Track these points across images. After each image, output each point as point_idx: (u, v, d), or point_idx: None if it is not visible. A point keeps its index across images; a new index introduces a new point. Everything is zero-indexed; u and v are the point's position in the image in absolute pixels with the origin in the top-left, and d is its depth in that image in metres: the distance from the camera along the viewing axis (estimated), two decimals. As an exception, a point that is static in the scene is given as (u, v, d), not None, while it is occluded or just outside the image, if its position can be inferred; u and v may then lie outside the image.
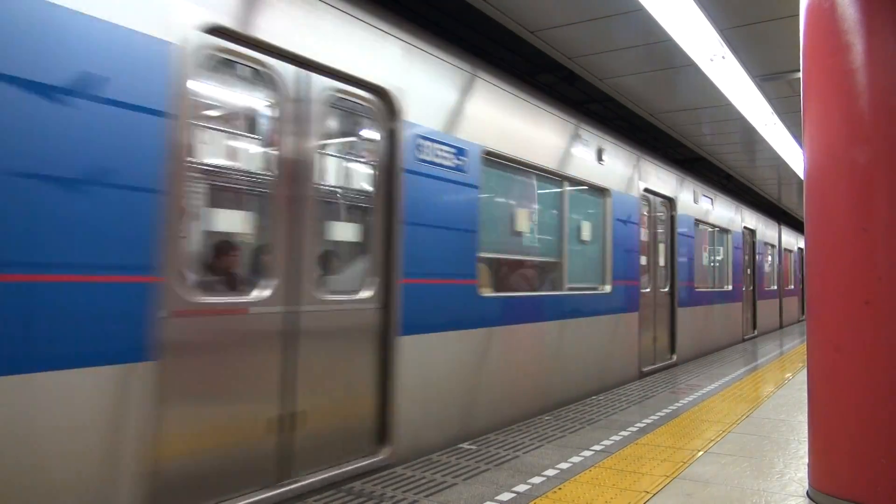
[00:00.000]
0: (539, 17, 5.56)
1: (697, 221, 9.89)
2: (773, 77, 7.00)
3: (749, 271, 13.46)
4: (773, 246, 15.92)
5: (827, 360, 3.33)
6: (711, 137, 9.94)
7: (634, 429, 4.91)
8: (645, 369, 7.80)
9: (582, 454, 4.20)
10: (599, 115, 8.42)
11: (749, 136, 9.46)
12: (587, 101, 8.32)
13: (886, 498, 3.02)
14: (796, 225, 19.96)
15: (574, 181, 6.50)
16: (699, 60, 6.33)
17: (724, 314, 11.44)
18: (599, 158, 6.86)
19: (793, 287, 18.70)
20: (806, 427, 3.54)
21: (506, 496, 3.40)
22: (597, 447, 4.37)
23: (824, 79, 3.41)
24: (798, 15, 3.58)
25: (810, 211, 3.49)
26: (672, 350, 8.82)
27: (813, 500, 3.35)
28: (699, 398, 6.17)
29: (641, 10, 5.21)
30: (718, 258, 11.64)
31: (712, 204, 10.82)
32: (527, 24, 5.71)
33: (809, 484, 3.45)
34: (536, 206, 6.13)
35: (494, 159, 5.13)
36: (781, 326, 16.61)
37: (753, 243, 13.73)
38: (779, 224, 16.66)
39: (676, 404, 5.85)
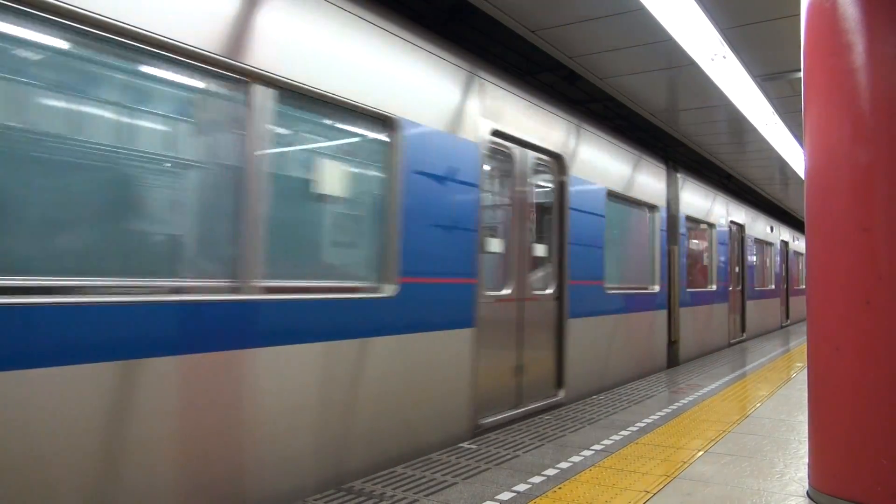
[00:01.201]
0: (540, 17, 5.55)
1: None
2: (773, 77, 7.00)
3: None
4: (652, 207, 8.34)
5: (827, 360, 3.33)
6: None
7: (634, 428, 4.91)
8: None
9: (582, 454, 4.20)
10: (600, 115, 8.42)
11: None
12: (588, 101, 8.32)
13: (887, 498, 3.02)
14: (738, 191, 14.07)
15: None
16: (700, 60, 6.33)
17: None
18: None
19: (729, 285, 11.66)
20: (806, 427, 3.54)
21: (506, 495, 3.41)
22: (597, 447, 4.37)
23: (825, 78, 3.41)
24: (799, 14, 3.57)
25: (811, 211, 3.49)
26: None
27: (813, 500, 3.35)
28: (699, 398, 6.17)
29: (642, 9, 5.20)
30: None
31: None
32: (527, 24, 5.71)
33: (809, 484, 3.45)
34: None
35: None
36: (700, 354, 9.99)
37: (561, 196, 6.06)
38: (672, 171, 9.07)
39: (677, 404, 5.86)
